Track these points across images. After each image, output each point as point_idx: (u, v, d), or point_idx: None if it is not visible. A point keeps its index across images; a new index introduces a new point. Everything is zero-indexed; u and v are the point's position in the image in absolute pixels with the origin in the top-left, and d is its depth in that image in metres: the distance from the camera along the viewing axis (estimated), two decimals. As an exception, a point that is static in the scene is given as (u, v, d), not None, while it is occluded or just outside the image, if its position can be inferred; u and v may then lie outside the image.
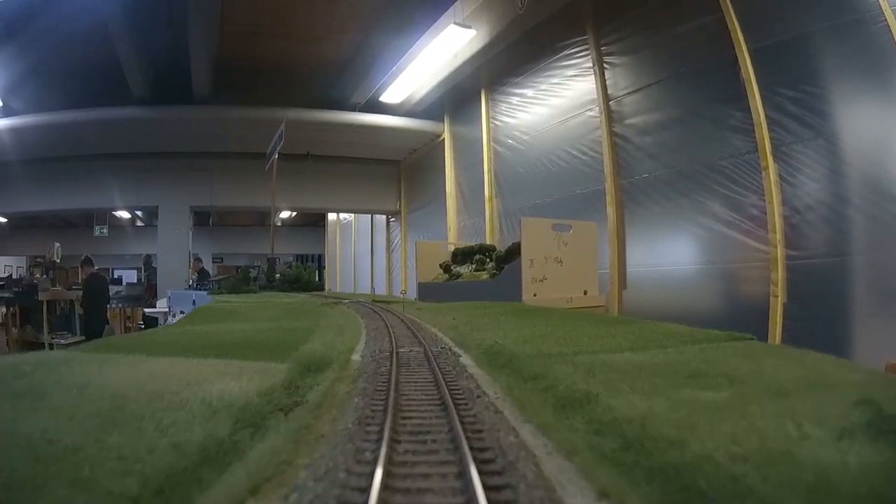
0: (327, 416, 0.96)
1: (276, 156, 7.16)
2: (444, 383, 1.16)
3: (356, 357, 1.57)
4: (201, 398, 0.93)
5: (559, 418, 0.93)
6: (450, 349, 1.71)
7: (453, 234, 8.06)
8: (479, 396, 1.11)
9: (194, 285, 7.69)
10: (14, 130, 8.12)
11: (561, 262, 4.07)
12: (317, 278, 7.92)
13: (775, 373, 1.10)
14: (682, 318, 4.02)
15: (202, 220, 20.18)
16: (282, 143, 6.94)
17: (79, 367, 1.24)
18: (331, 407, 1.02)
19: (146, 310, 9.51)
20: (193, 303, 5.33)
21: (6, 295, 9.02)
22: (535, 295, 3.81)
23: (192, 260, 10.28)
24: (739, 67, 3.74)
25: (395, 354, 1.54)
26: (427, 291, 5.06)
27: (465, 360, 1.55)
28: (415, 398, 1.09)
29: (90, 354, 1.49)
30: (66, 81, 8.01)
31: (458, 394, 1.11)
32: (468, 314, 2.65)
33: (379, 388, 1.16)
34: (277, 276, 6.81)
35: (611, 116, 5.11)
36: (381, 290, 11.35)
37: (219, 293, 5.66)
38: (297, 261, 16.97)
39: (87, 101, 7.99)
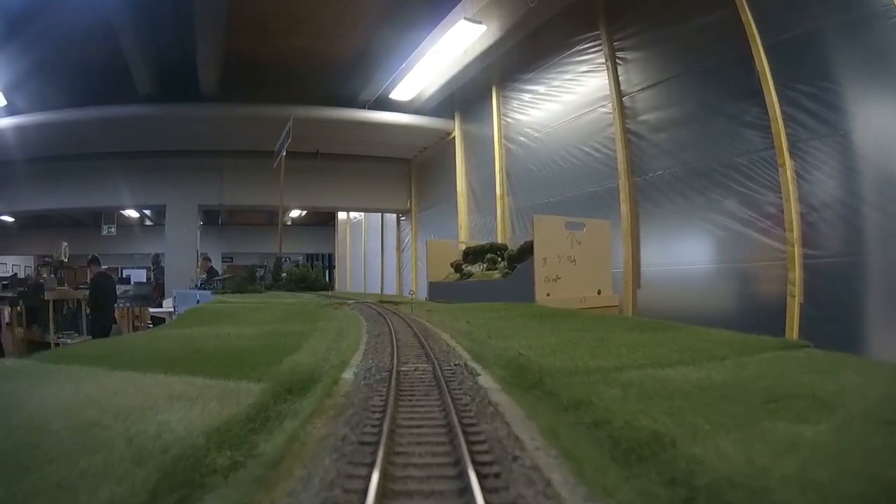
0: (280, 487, 0.68)
1: (284, 153, 7.21)
2: (460, 431, 0.84)
3: (348, 375, 1.32)
4: (133, 436, 0.78)
5: (630, 480, 0.69)
6: (465, 365, 1.44)
7: (464, 233, 8.09)
8: (515, 458, 0.76)
9: (200, 285, 7.74)
10: (19, 129, 8.22)
11: (574, 261, 4.03)
12: (325, 278, 7.93)
13: (864, 392, 0.98)
14: (697, 318, 4.02)
15: (212, 219, 20.45)
16: (289, 140, 6.99)
17: (16, 383, 1.15)
18: (291, 468, 0.73)
19: (152, 310, 9.61)
20: (197, 302, 5.37)
21: (9, 294, 9.14)
22: (548, 295, 3.78)
23: (200, 259, 10.37)
24: (754, 63, 3.74)
25: (395, 375, 1.26)
26: (438, 291, 5.08)
27: (486, 380, 1.29)
28: (415, 461, 0.77)
29: (44, 366, 1.40)
30: (70, 79, 8.10)
31: (483, 450, 0.79)
32: (483, 317, 2.49)
33: (365, 437, 0.85)
34: (284, 275, 6.81)
35: (624, 113, 5.11)
36: (392, 289, 11.40)
37: (223, 293, 5.70)
38: (307, 260, 17.06)
39: (92, 99, 8.08)
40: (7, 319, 9.51)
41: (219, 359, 1.41)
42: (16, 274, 11.15)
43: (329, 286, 7.57)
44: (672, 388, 1.04)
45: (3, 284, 9.58)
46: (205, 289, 6.83)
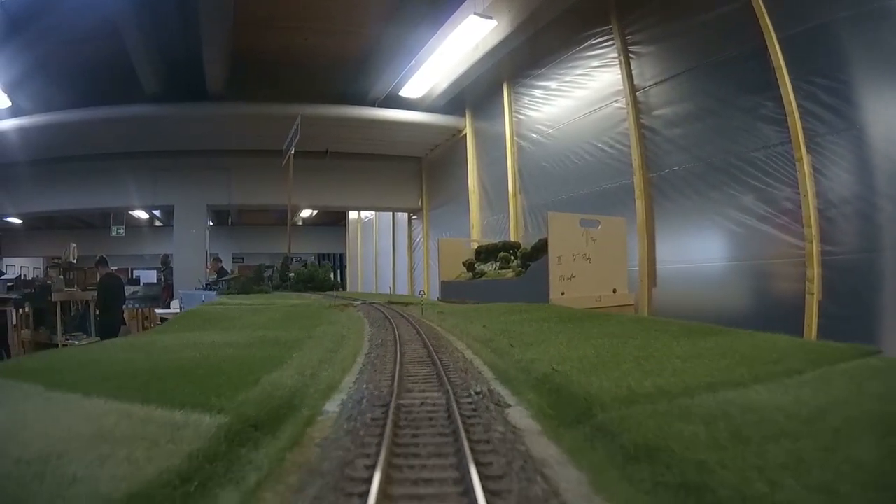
0: None
1: (293, 151, 7.26)
2: None
3: (332, 407, 1.06)
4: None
5: None
6: (488, 393, 1.14)
7: (476, 232, 8.11)
8: None
9: (207, 285, 7.79)
10: (25, 130, 8.33)
11: (589, 259, 4.02)
12: (334, 277, 7.93)
13: None
14: (713, 316, 4.04)
15: (222, 219, 20.69)
16: (297, 137, 7.03)
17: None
18: None
19: (159, 311, 9.71)
20: (202, 303, 5.41)
21: (13, 296, 9.25)
22: (562, 294, 3.77)
23: (209, 260, 10.47)
24: (769, 56, 3.73)
25: (393, 414, 0.94)
26: (450, 290, 5.10)
27: (518, 413, 1.02)
28: None
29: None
30: (74, 80, 8.18)
31: None
32: (501, 320, 2.31)
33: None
34: (291, 275, 6.80)
35: (638, 108, 5.11)
36: (403, 289, 11.45)
37: (228, 293, 5.71)
38: (318, 260, 17.14)
39: (97, 99, 8.17)
40: (13, 321, 9.64)
41: (183, 377, 1.16)
42: (20, 275, 11.26)
43: (338, 286, 7.56)
44: (768, 421, 0.79)
45: (8, 286, 9.68)
46: (210, 289, 6.86)
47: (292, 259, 7.52)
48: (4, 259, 19.17)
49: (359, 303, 3.78)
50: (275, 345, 1.72)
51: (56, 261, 13.65)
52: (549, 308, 2.85)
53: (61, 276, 10.60)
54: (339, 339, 1.92)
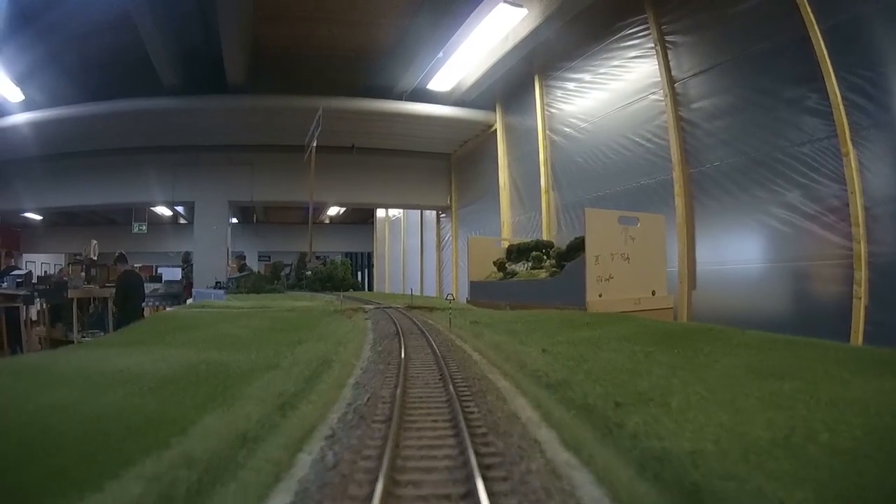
0: None
1: (315, 145, 7.33)
2: None
3: None
4: None
5: None
6: None
7: (507, 230, 8.17)
8: None
9: (216, 284, 7.85)
10: (39, 124, 8.61)
11: (628, 258, 3.94)
12: (354, 276, 7.89)
13: None
14: (754, 321, 4.02)
15: (247, 217, 21.20)
16: (319, 129, 7.09)
17: None
18: None
19: (168, 309, 9.95)
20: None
21: (21, 292, 9.53)
22: (600, 296, 3.72)
23: (232, 258, 10.68)
24: (812, 46, 3.70)
25: None
26: (479, 291, 5.14)
27: None
28: None
29: None
30: (89, 72, 8.41)
31: None
32: (566, 340, 1.81)
33: None
34: (308, 273, 6.76)
35: (676, 100, 5.09)
36: (431, 289, 11.55)
37: (238, 293, 5.70)
38: (349, 259, 17.42)
39: (113, 92, 8.36)
40: (25, 318, 9.94)
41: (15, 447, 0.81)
42: (30, 271, 11.59)
43: (358, 286, 7.46)
44: None
45: (18, 282, 9.97)
46: (221, 288, 6.86)
47: (317, 257, 7.52)
48: (24, 255, 19.80)
49: (372, 307, 3.56)
50: (206, 381, 1.26)
51: (77, 257, 14.11)
52: (620, 320, 2.36)
53: (83, 273, 10.94)
54: (316, 370, 1.41)
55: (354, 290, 6.43)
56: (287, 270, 7.12)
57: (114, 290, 9.28)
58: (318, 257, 7.42)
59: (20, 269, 12.05)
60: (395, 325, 2.52)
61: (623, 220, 3.99)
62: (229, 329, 2.30)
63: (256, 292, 5.57)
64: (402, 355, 1.70)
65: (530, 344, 1.75)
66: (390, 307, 3.59)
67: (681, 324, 2.67)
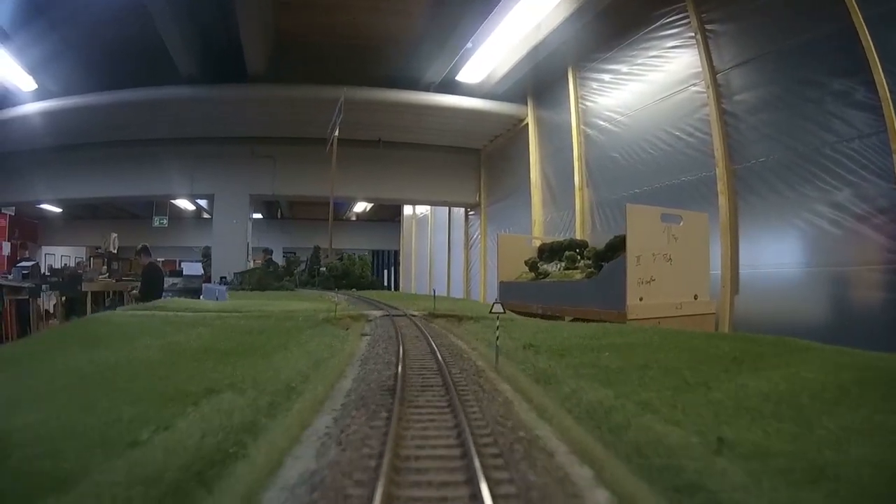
0: None
1: (337, 134, 7.37)
2: None
3: None
4: None
5: None
6: None
7: (538, 229, 8.18)
8: None
9: (221, 279, 7.78)
10: (53, 113, 8.78)
11: (670, 259, 3.87)
12: (379, 273, 7.79)
13: None
14: (801, 330, 3.93)
15: (272, 212, 21.66)
16: (341, 116, 7.11)
17: None
18: None
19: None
20: (216, 298, 5.45)
21: (26, 284, 9.73)
22: (640, 299, 3.65)
23: (252, 253, 10.81)
24: (858, 36, 3.65)
25: None
26: (510, 292, 5.15)
27: None
28: None
29: None
30: (103, 61, 8.53)
31: None
32: (726, 395, 1.25)
33: None
34: (322, 269, 6.52)
35: (719, 92, 5.04)
36: (458, 290, 11.58)
37: (241, 289, 5.58)
38: (364, 255, 17.59)
39: (128, 82, 8.48)
40: (42, 310, 10.18)
41: None
42: (37, 263, 11.87)
43: (378, 284, 7.22)
44: None
45: (23, 273, 10.20)
46: (224, 284, 6.74)
47: (336, 252, 7.37)
48: (44, 248, 20.34)
49: (379, 314, 3.16)
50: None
51: (98, 250, 14.47)
52: (779, 351, 1.77)
53: (105, 266, 11.19)
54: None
55: (374, 288, 6.24)
56: (302, 266, 6.97)
57: (131, 283, 9.45)
58: (337, 254, 7.28)
59: (32, 260, 12.36)
60: (399, 351, 1.88)
61: (666, 218, 3.93)
62: (122, 353, 1.80)
63: (261, 289, 5.42)
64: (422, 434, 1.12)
65: (662, 408, 1.15)
66: (404, 314, 3.17)
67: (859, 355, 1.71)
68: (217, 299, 5.19)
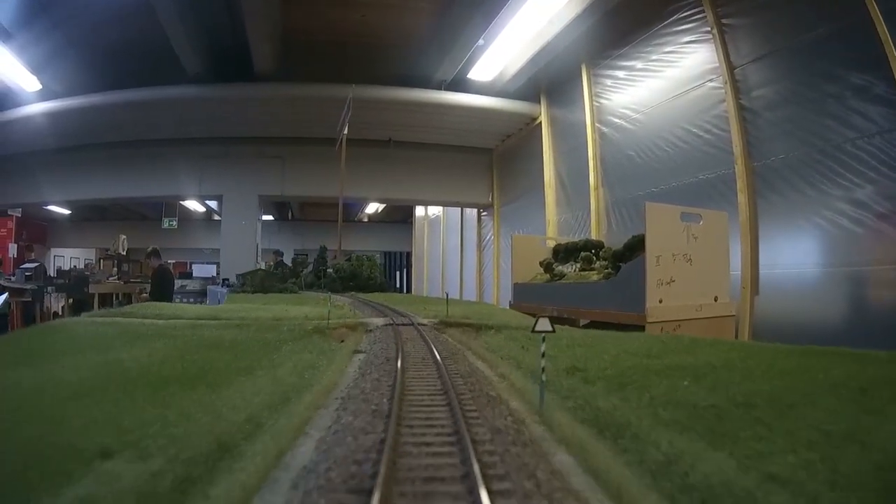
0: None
1: (346, 132, 7.35)
2: None
3: None
4: None
5: None
6: None
7: (552, 230, 8.16)
8: None
9: (223, 281, 7.75)
10: (58, 114, 8.84)
11: (690, 260, 3.84)
12: (391, 276, 7.71)
13: None
14: (823, 333, 3.88)
15: (283, 214, 21.86)
16: (349, 113, 7.09)
17: None
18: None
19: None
20: (219, 301, 5.39)
21: (28, 286, 9.80)
22: (660, 301, 3.62)
23: (260, 253, 10.84)
24: (876, 30, 3.61)
25: None
26: (525, 293, 5.13)
27: None
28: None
29: None
30: (107, 61, 8.56)
31: None
32: None
33: None
34: (329, 270, 6.46)
35: (737, 87, 5.01)
36: (471, 292, 11.56)
37: (243, 291, 5.52)
38: (373, 255, 17.68)
39: (133, 81, 8.52)
40: (51, 311, 10.27)
41: None
42: (41, 264, 11.98)
43: (387, 286, 7.06)
44: None
45: (26, 275, 10.28)
46: (226, 286, 6.67)
47: (345, 253, 7.25)
48: (52, 250, 20.52)
49: (381, 322, 2.87)
50: None
51: (107, 252, 14.60)
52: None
53: (115, 268, 11.28)
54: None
55: (383, 291, 6.13)
56: (309, 268, 6.86)
57: (140, 286, 9.51)
58: (346, 255, 7.14)
59: (37, 261, 12.51)
60: (395, 385, 1.48)
61: (685, 217, 3.91)
62: (40, 376, 1.53)
63: (264, 291, 5.36)
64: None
65: (821, 489, 0.79)
66: (412, 323, 2.83)
67: None
68: (219, 302, 5.15)
